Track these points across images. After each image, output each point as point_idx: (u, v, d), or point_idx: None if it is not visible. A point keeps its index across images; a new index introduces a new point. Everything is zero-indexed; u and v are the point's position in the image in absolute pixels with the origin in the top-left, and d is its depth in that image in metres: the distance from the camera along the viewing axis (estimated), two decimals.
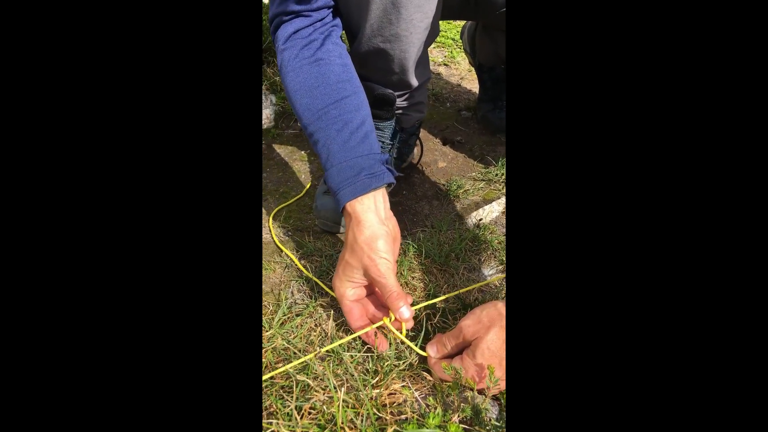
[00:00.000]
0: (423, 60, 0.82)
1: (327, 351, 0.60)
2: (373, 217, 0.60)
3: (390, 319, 0.59)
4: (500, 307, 0.54)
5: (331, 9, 0.69)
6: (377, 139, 0.85)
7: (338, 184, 0.61)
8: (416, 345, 0.59)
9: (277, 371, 0.56)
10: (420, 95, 0.87)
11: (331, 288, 0.68)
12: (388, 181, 0.62)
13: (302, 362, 0.57)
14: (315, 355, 0.57)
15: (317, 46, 0.67)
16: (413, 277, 0.73)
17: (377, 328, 0.60)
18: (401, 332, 0.59)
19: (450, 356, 0.56)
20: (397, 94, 0.83)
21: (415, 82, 0.81)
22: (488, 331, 0.52)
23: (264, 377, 0.55)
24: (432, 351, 0.57)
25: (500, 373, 0.52)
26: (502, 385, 0.53)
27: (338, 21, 0.71)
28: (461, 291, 0.69)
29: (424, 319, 0.63)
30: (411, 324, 0.60)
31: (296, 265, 0.74)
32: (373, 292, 0.64)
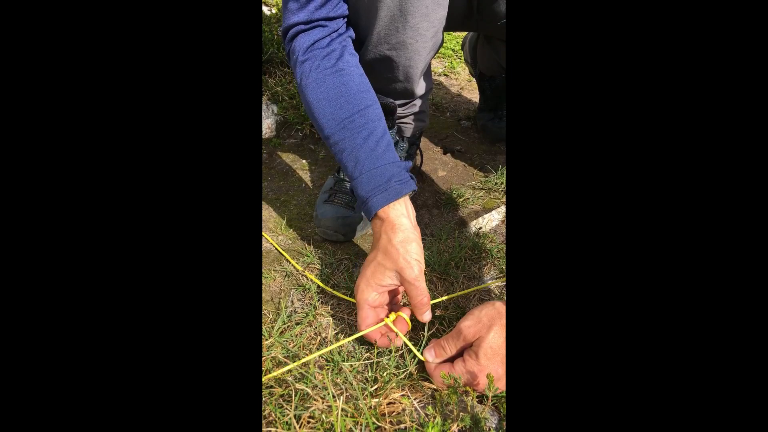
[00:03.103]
0: (426, 70, 0.83)
1: (327, 358, 0.60)
2: (406, 221, 0.61)
3: (391, 320, 0.60)
4: (498, 306, 0.54)
5: (346, 19, 0.70)
6: None
7: (370, 191, 0.62)
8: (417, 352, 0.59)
9: (277, 372, 0.55)
10: (422, 104, 0.88)
11: (343, 294, 0.68)
12: (414, 188, 0.64)
13: (302, 362, 0.57)
14: (316, 356, 0.57)
15: (337, 57, 0.68)
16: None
17: (381, 328, 0.60)
18: (404, 334, 0.60)
19: (450, 359, 0.56)
20: (398, 103, 0.83)
21: (418, 91, 0.82)
22: (489, 331, 0.52)
23: (264, 378, 0.55)
24: (430, 356, 0.57)
25: (503, 370, 0.52)
26: (483, 379, 0.53)
27: (351, 31, 0.72)
28: (457, 294, 0.69)
29: (426, 328, 0.63)
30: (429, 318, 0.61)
31: (296, 274, 0.75)
32: (392, 300, 0.64)
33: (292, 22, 0.67)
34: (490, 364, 0.52)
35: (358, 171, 0.63)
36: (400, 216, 0.61)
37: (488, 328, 0.53)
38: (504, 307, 0.54)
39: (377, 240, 0.62)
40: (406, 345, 0.60)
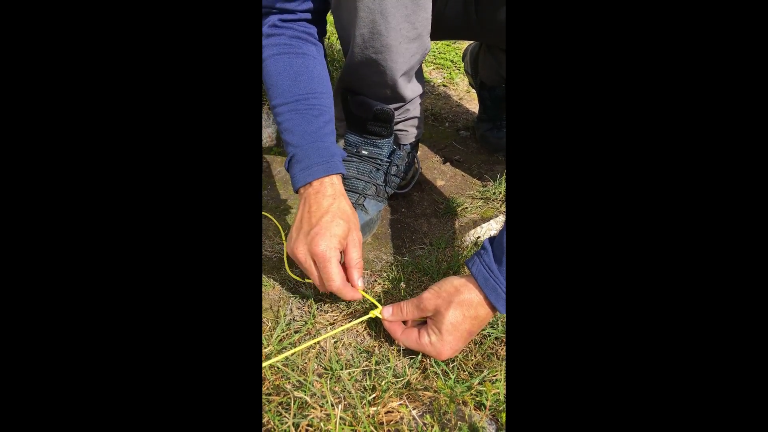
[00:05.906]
0: (417, 73, 0.84)
1: (325, 366, 0.60)
2: (342, 189, 0.69)
3: (378, 310, 0.64)
4: (456, 282, 0.58)
5: (316, 17, 0.76)
6: (375, 156, 0.86)
7: (312, 159, 0.68)
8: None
9: (275, 359, 0.56)
10: (415, 110, 0.88)
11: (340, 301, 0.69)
12: (344, 172, 0.71)
13: (304, 347, 0.57)
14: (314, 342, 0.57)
15: (303, 41, 0.75)
16: (411, 294, 0.73)
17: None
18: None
19: (405, 322, 0.62)
20: (391, 107, 0.84)
21: (408, 95, 0.83)
22: (449, 306, 0.56)
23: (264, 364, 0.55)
24: (387, 312, 0.62)
25: (462, 344, 0.58)
26: (446, 352, 0.57)
27: (321, 28, 0.78)
28: None
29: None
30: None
31: (295, 283, 0.75)
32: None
33: (265, 4, 0.74)
34: (453, 340, 0.56)
35: (305, 140, 0.69)
36: (338, 185, 0.68)
37: (447, 303, 0.56)
38: (461, 282, 0.57)
39: (318, 200, 0.66)
40: (365, 299, 0.65)
